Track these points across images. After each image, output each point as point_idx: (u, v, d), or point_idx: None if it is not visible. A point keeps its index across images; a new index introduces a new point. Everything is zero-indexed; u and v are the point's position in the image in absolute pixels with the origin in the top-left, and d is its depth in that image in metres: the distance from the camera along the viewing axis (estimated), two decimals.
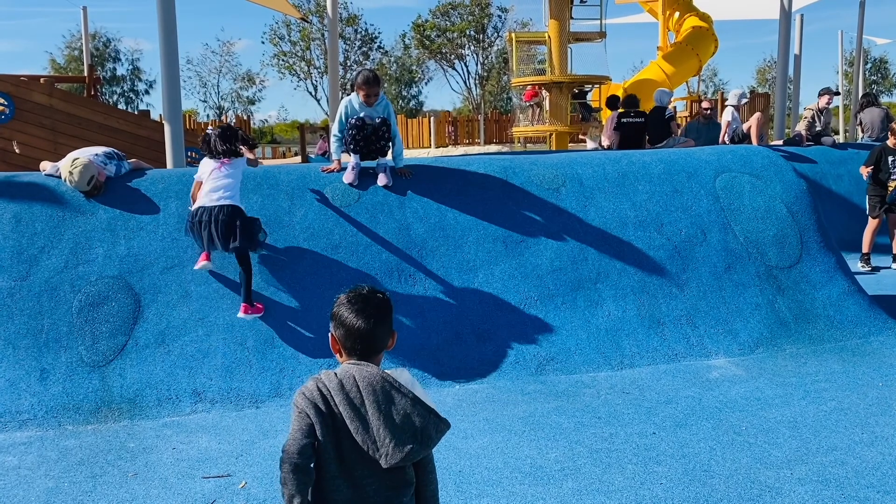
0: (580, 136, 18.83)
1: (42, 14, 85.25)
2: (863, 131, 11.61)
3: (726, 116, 10.71)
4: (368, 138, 5.67)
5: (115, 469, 3.71)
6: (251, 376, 4.71)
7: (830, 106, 10.93)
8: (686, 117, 17.98)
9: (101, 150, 5.56)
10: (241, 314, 4.90)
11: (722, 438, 3.89)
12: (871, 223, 8.38)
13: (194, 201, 5.08)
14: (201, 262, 5.01)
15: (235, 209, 4.94)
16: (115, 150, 5.70)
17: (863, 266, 8.30)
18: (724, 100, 19.56)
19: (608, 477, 3.49)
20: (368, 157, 5.80)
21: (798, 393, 4.53)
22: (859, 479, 3.40)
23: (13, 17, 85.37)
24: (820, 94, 10.84)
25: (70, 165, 5.23)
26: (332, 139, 5.76)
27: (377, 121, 5.63)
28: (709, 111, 11.16)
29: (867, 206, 8.45)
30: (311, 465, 1.89)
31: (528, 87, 19.03)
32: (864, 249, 8.39)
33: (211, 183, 5.00)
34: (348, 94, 5.76)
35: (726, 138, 10.56)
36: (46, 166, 5.51)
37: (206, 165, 5.10)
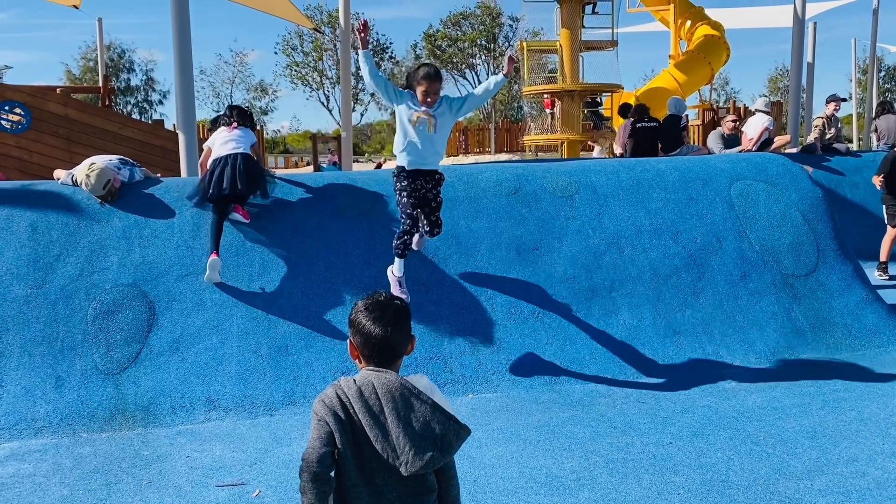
0: (589, 143, 18.82)
1: (58, 26, 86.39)
2: (878, 139, 11.52)
3: (764, 122, 10.31)
4: (419, 194, 4.76)
5: (130, 477, 3.71)
6: (265, 384, 4.70)
7: (839, 113, 10.89)
8: (698, 125, 17.90)
9: (115, 157, 5.67)
10: (233, 213, 5.28)
11: (739, 448, 3.84)
12: (891, 232, 8.29)
13: (203, 169, 5.39)
14: (212, 258, 4.99)
15: (250, 157, 5.31)
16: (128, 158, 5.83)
17: (880, 275, 8.22)
18: (735, 108, 19.48)
19: (624, 487, 3.45)
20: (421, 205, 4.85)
21: (816, 402, 4.47)
22: (881, 491, 3.34)
23: (30, 29, 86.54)
24: (827, 102, 10.83)
25: (87, 169, 5.30)
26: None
27: (427, 169, 4.72)
28: (736, 122, 10.70)
29: (885, 216, 8.36)
30: (331, 474, 1.88)
31: (547, 96, 19.09)
32: (882, 258, 8.31)
33: (223, 141, 5.34)
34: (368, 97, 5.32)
35: (754, 148, 10.36)
36: (61, 174, 5.58)
37: (218, 133, 5.44)
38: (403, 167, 4.70)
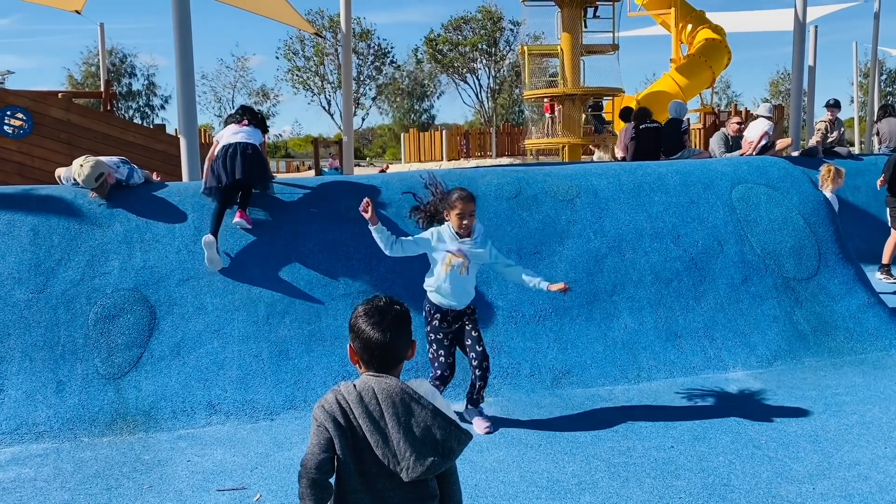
0: (590, 147, 18.84)
1: (60, 31, 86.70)
2: (880, 142, 11.54)
3: (764, 127, 10.32)
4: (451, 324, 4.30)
5: (130, 481, 3.71)
6: (266, 388, 4.70)
7: (838, 116, 11.06)
8: (700, 129, 17.92)
9: (116, 157, 5.70)
10: (237, 219, 5.28)
11: (741, 452, 3.83)
12: (894, 234, 8.28)
13: (210, 162, 5.41)
14: (206, 237, 5.06)
15: (258, 147, 5.44)
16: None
17: (884, 278, 8.21)
18: (737, 111, 19.49)
19: (626, 491, 3.44)
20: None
21: (818, 406, 4.46)
22: (883, 495, 3.33)
23: (32, 35, 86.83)
24: (827, 108, 11.02)
25: (82, 160, 5.32)
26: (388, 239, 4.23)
27: (459, 309, 4.27)
28: (741, 123, 10.66)
29: (889, 218, 8.36)
30: (330, 480, 1.88)
31: (547, 100, 19.12)
32: (885, 261, 8.30)
33: (232, 133, 5.46)
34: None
35: (754, 152, 10.33)
36: (61, 172, 5.60)
37: (227, 128, 5.57)
38: (434, 305, 4.32)
